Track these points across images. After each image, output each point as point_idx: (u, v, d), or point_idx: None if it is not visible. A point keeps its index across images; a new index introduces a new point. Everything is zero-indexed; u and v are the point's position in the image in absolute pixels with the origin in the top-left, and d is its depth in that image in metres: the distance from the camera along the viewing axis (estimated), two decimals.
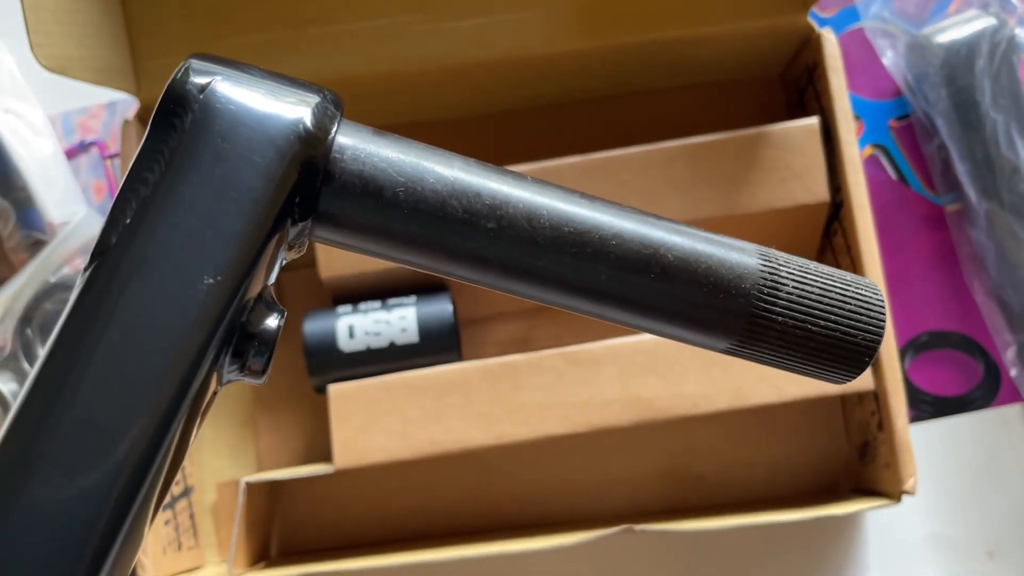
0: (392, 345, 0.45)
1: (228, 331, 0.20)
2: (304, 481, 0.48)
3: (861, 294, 0.22)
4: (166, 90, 0.20)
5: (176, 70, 0.20)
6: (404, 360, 0.45)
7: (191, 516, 0.48)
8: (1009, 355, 0.47)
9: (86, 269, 0.20)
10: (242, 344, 0.20)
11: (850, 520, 0.47)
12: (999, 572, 0.46)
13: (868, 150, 0.51)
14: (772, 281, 0.21)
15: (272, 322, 0.21)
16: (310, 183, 0.20)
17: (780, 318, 0.21)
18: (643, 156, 0.45)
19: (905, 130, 0.51)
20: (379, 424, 0.43)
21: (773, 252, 0.22)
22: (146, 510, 0.19)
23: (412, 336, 0.45)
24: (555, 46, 0.46)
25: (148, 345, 0.19)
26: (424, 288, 0.47)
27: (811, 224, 0.46)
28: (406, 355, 0.45)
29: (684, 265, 0.21)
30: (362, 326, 0.45)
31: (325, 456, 0.48)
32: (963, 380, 0.49)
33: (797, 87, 0.49)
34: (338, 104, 0.21)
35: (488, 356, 0.45)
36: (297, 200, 0.20)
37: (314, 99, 0.21)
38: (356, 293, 0.47)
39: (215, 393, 0.21)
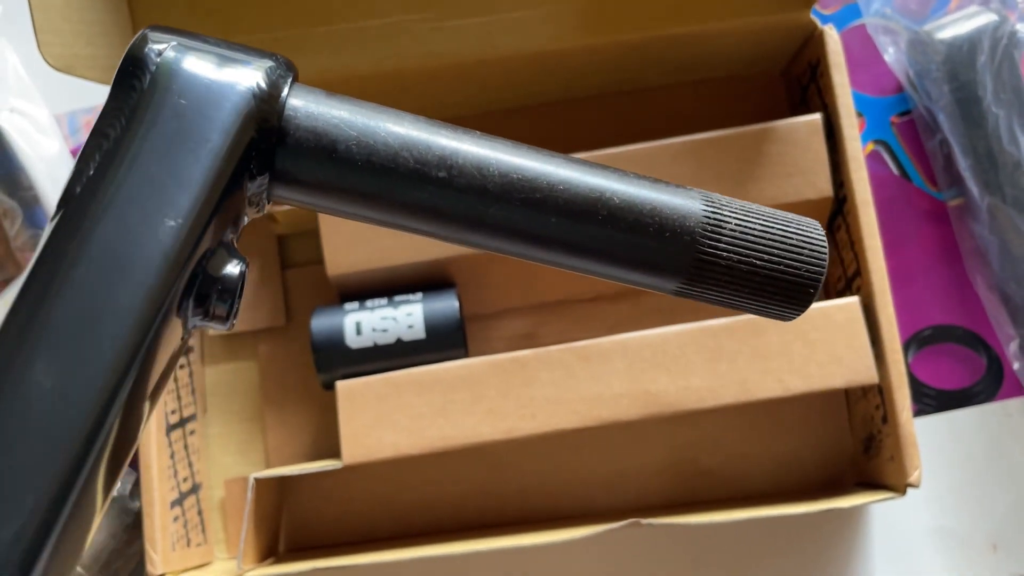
0: (399, 341, 0.45)
1: (192, 274, 0.21)
2: (312, 477, 0.49)
3: (803, 231, 0.23)
4: (125, 55, 0.21)
5: (134, 38, 0.21)
6: (411, 356, 0.45)
7: (199, 513, 0.48)
8: (1012, 348, 0.48)
9: (52, 219, 0.20)
10: (205, 288, 0.21)
11: (855, 513, 0.48)
12: (1003, 564, 0.47)
13: (870, 146, 0.52)
14: (715, 220, 0.22)
15: (234, 269, 0.22)
16: (265, 139, 0.21)
17: (725, 255, 0.22)
18: (648, 152, 0.45)
19: (907, 126, 0.52)
20: (387, 420, 0.43)
21: (716, 195, 0.23)
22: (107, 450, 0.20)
23: (419, 332, 0.45)
24: (559, 43, 0.46)
25: (114, 280, 0.20)
26: (431, 285, 0.47)
27: (815, 219, 0.46)
28: (413, 351, 0.45)
29: (630, 207, 0.22)
30: (369, 323, 0.45)
31: (333, 452, 0.48)
32: (967, 374, 0.49)
33: (800, 84, 0.50)
34: (290, 68, 0.23)
35: (495, 352, 0.45)
36: (254, 155, 0.21)
37: (267, 63, 0.22)
38: (363, 290, 0.47)
39: (184, 339, 0.22)
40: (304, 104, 0.22)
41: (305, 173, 0.22)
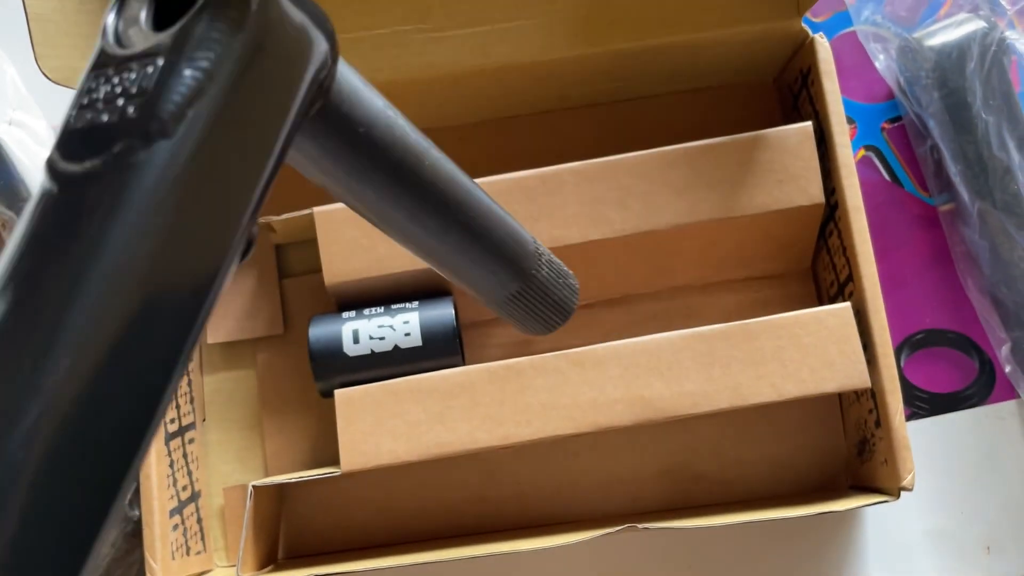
0: (396, 349, 0.45)
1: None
2: (311, 484, 0.49)
3: (571, 280, 0.31)
4: None
5: None
6: (408, 364, 0.45)
7: (199, 521, 0.48)
8: (1004, 352, 0.48)
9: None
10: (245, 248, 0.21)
11: (849, 515, 0.48)
12: (996, 566, 0.47)
13: (862, 152, 0.52)
14: (539, 251, 0.29)
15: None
16: (317, 95, 0.21)
17: (542, 274, 0.29)
18: (642, 160, 0.46)
19: (898, 132, 0.52)
20: (385, 427, 0.44)
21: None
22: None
23: (416, 340, 0.46)
24: (552, 53, 0.47)
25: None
26: (427, 293, 0.48)
27: (807, 225, 0.47)
28: (410, 359, 0.46)
29: (499, 222, 0.28)
30: (367, 331, 0.46)
31: (331, 460, 0.49)
32: (959, 377, 0.49)
33: (792, 91, 0.50)
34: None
35: (491, 359, 0.45)
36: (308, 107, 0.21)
37: (330, 26, 0.21)
38: (360, 299, 0.48)
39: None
40: (346, 73, 0.22)
41: (331, 137, 0.22)
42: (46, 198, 0.17)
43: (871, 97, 0.53)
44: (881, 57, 0.52)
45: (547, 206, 0.46)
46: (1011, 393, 0.49)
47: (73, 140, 0.18)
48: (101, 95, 0.18)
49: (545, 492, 0.49)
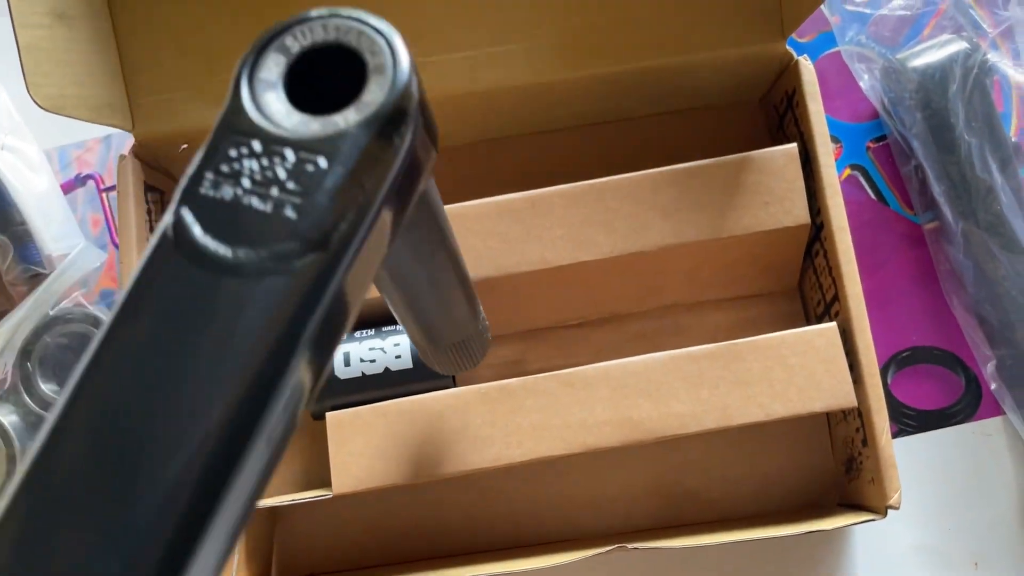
0: (387, 371, 0.46)
1: None
2: (303, 506, 0.49)
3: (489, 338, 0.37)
4: (393, 105, 0.18)
5: (401, 84, 0.18)
6: (399, 386, 0.46)
7: None
8: (989, 369, 0.48)
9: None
10: None
11: (838, 533, 0.48)
12: None
13: (847, 171, 0.53)
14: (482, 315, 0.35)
15: None
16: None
17: (485, 334, 0.36)
18: (630, 182, 0.46)
19: (883, 151, 0.53)
20: (376, 449, 0.44)
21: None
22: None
23: (406, 362, 0.46)
24: (540, 77, 0.47)
25: None
26: None
27: (793, 245, 0.47)
28: (401, 381, 0.46)
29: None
30: (357, 353, 0.46)
31: (325, 481, 0.49)
32: (946, 394, 0.50)
33: (778, 112, 0.51)
34: None
35: (482, 379, 0.46)
36: None
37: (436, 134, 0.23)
38: None
39: None
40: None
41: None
42: (179, 270, 0.17)
43: (856, 116, 0.53)
44: (866, 77, 0.53)
45: (535, 228, 0.46)
46: (997, 410, 0.49)
47: (219, 215, 0.17)
48: (248, 171, 0.17)
49: (537, 511, 0.50)
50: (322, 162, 0.17)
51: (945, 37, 0.50)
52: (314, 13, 0.19)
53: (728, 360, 0.44)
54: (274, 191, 0.17)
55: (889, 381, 0.50)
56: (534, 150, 0.53)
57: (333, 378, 0.46)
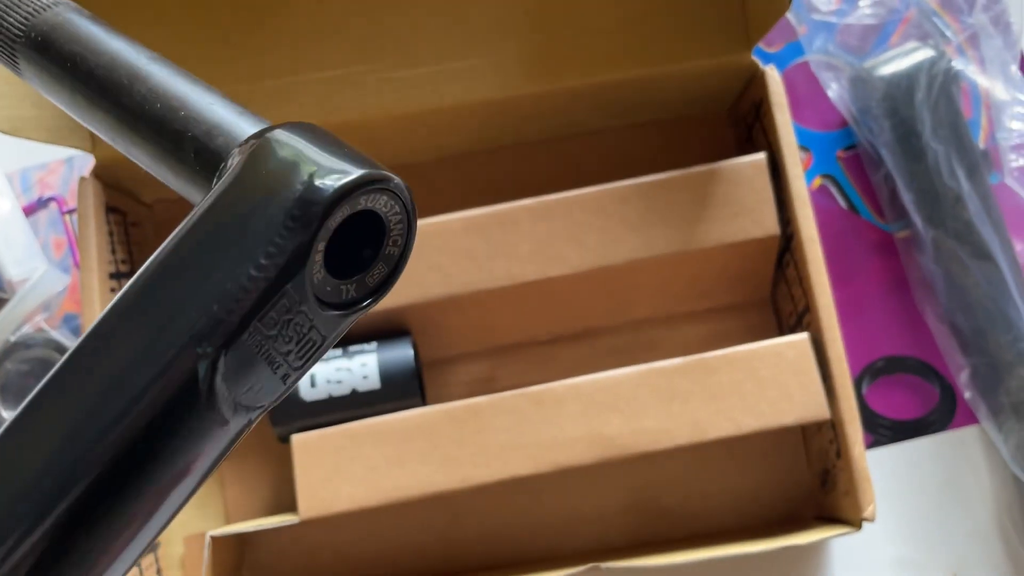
0: (354, 392, 0.45)
1: None
2: (271, 531, 0.48)
3: None
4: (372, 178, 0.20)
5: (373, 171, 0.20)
6: (367, 407, 0.45)
7: (158, 572, 0.47)
8: (963, 378, 0.48)
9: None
10: None
11: (816, 546, 0.48)
12: None
13: (818, 180, 0.52)
14: None
15: None
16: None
17: None
18: (597, 196, 0.46)
19: (853, 160, 0.52)
20: (344, 472, 0.43)
21: None
22: None
23: (374, 383, 0.45)
24: (505, 91, 0.47)
25: None
26: (385, 334, 0.47)
27: (763, 257, 0.47)
28: (369, 402, 0.45)
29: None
30: (324, 374, 0.45)
31: (293, 505, 0.48)
32: (920, 403, 0.49)
33: (746, 122, 0.50)
34: None
35: (454, 397, 0.45)
36: None
37: None
38: None
39: None
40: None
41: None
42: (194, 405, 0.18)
43: (825, 125, 0.53)
44: (833, 86, 0.52)
45: (503, 244, 0.45)
46: (972, 418, 0.49)
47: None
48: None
49: (511, 532, 0.49)
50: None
51: (911, 45, 0.50)
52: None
53: (699, 374, 0.43)
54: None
55: (864, 391, 0.50)
56: (499, 166, 0.53)
57: (299, 400, 0.45)
